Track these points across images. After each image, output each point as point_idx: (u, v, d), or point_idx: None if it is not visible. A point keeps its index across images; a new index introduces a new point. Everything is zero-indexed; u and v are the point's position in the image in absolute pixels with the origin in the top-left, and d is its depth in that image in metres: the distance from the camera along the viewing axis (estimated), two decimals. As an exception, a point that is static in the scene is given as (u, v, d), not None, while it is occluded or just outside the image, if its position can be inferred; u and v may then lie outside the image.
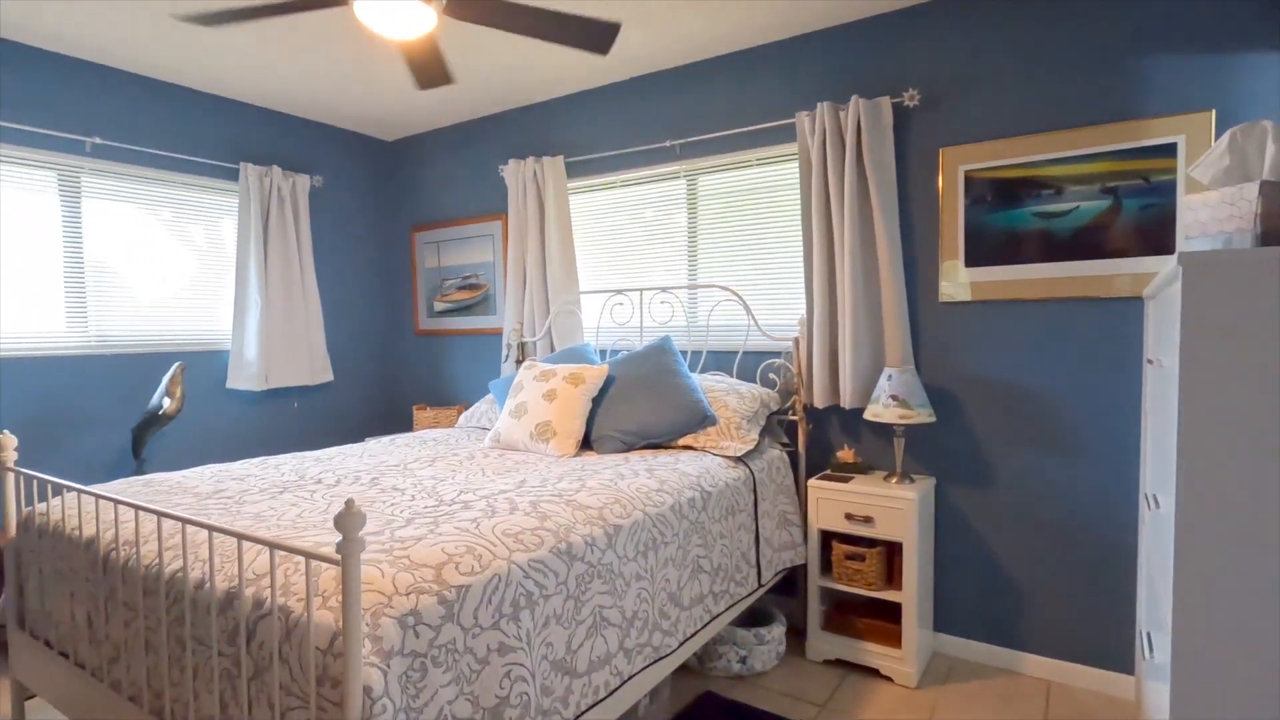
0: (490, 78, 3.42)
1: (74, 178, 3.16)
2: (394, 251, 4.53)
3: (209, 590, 1.35)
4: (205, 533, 1.50)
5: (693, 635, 2.07)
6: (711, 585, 2.18)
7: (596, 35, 2.10)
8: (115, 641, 1.60)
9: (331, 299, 4.19)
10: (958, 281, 2.65)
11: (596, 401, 2.75)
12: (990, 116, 2.56)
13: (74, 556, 1.72)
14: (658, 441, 2.64)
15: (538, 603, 1.50)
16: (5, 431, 1.96)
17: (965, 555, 2.69)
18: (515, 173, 3.67)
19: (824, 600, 2.75)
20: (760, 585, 2.50)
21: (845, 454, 2.80)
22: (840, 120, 2.74)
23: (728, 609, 2.30)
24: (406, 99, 3.71)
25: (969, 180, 2.61)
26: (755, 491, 2.51)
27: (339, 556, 1.10)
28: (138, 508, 1.49)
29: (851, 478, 2.70)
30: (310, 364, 3.93)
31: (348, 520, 1.08)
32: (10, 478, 1.96)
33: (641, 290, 3.33)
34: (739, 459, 2.54)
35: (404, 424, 4.54)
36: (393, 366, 4.55)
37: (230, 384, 3.64)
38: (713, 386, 2.84)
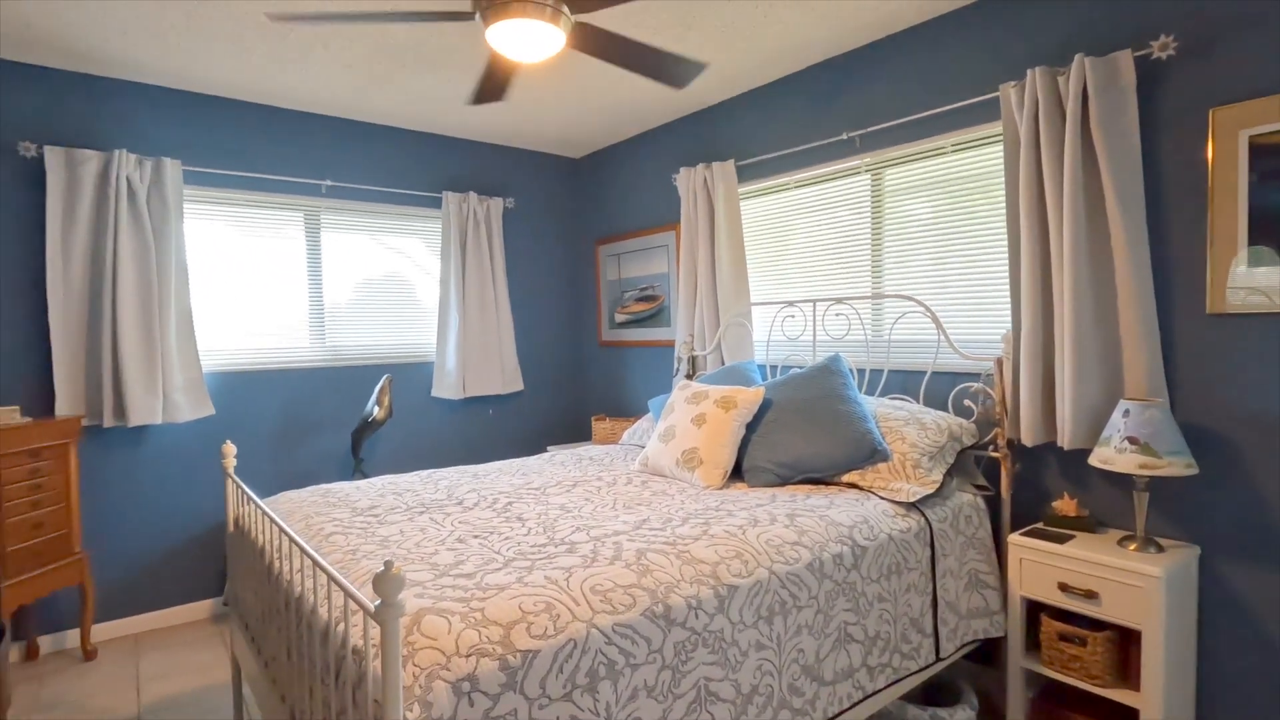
0: (657, 87, 3.34)
1: (315, 215, 3.70)
2: (579, 265, 4.68)
3: (317, 618, 1.42)
4: (317, 557, 1.59)
5: (838, 715, 1.77)
6: (865, 657, 1.85)
7: (681, 73, 2.22)
8: (274, 643, 1.78)
9: (522, 312, 4.45)
10: (1236, 286, 1.96)
11: (751, 427, 2.51)
12: (1293, 57, 1.85)
13: (257, 560, 1.95)
14: (817, 477, 2.33)
15: (622, 673, 1.35)
16: (228, 442, 2.32)
17: (1247, 656, 1.99)
18: (686, 181, 3.55)
19: (1030, 685, 2.22)
20: (939, 658, 2.08)
21: (1064, 505, 2.24)
22: (1059, 87, 2.19)
23: (890, 684, 1.94)
24: (588, 118, 3.78)
25: (1256, 149, 1.91)
26: (933, 546, 2.10)
27: (378, 617, 1.06)
28: (277, 524, 1.63)
29: (1071, 536, 2.15)
30: (502, 374, 4.20)
31: (385, 584, 1.03)
32: (230, 482, 2.30)
33: (814, 302, 3.00)
34: (912, 505, 2.14)
35: (585, 433, 4.67)
36: (577, 377, 4.70)
37: (434, 393, 4.02)
38: (890, 414, 2.45)
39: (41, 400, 2.93)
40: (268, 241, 3.56)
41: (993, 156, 2.54)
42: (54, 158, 2.89)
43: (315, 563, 1.34)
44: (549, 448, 4.27)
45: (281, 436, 3.55)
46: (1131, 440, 1.96)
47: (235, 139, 3.39)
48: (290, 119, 3.55)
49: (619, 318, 4.35)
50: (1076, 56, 2.11)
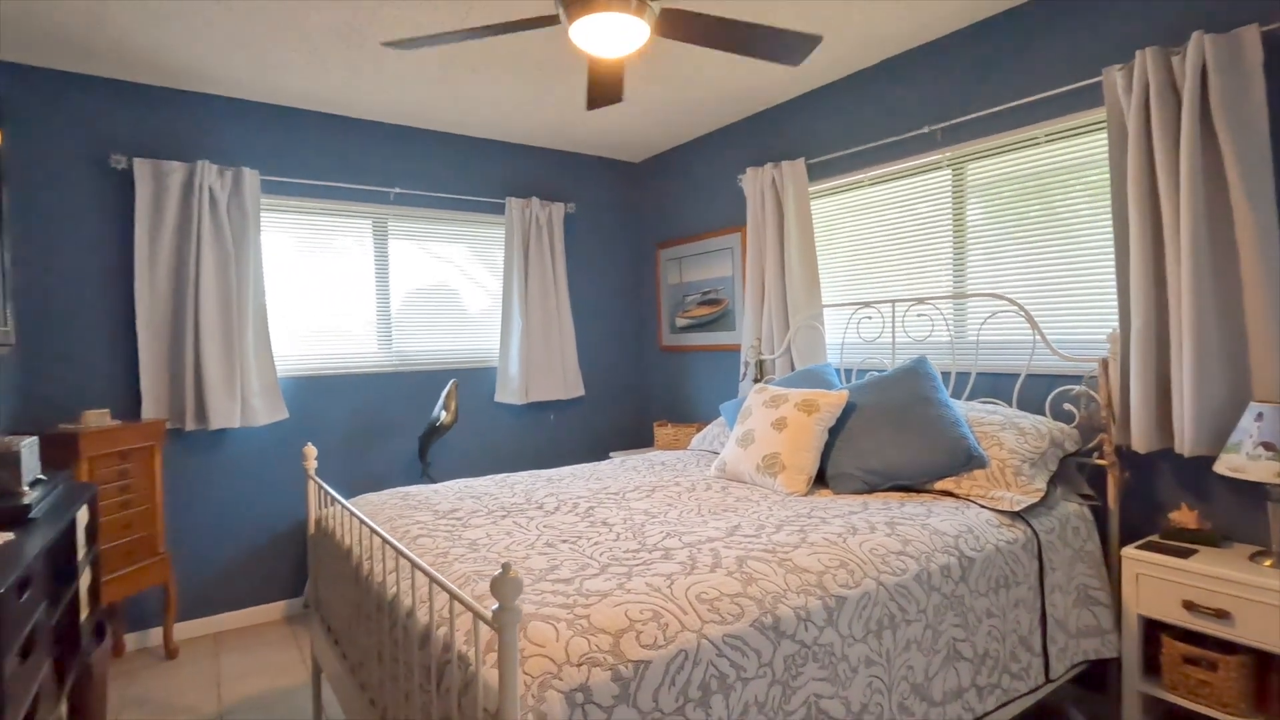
0: (726, 85, 3.28)
1: (382, 223, 3.75)
2: (640, 269, 4.64)
3: (414, 621, 1.39)
4: (415, 559, 1.56)
5: (947, 738, 1.66)
6: (974, 677, 1.73)
7: (795, 47, 2.02)
8: (362, 646, 1.76)
9: (583, 317, 4.42)
10: (1387, 278, 1.79)
11: (834, 432, 2.42)
12: None
13: (342, 562, 1.94)
14: (907, 484, 2.22)
15: (733, 687, 1.27)
16: (309, 444, 2.34)
17: (1404, 686, 1.79)
18: (753, 181, 3.48)
19: (1147, 713, 2.06)
20: (1049, 679, 1.94)
21: (1184, 516, 2.08)
22: (1174, 69, 2.05)
23: (1000, 707, 1.81)
24: (650, 120, 3.75)
25: None
26: (1041, 558, 1.96)
27: (495, 621, 1.01)
28: (368, 526, 1.61)
29: (1194, 551, 1.98)
30: (564, 379, 4.17)
31: (504, 588, 0.98)
32: (311, 484, 2.32)
33: (894, 302, 2.89)
34: (1017, 514, 2.01)
35: (647, 439, 4.61)
36: (638, 382, 4.65)
37: (498, 398, 4.02)
38: (983, 419, 2.32)
39: (128, 404, 3.02)
40: (338, 248, 3.62)
41: (1089, 146, 2.39)
42: (142, 169, 2.98)
43: (415, 564, 1.30)
44: (612, 454, 4.22)
45: (351, 440, 3.59)
46: (1267, 446, 1.80)
47: (309, 149, 3.46)
48: (361, 128, 3.61)
49: (680, 322, 4.29)
50: (1194, 34, 1.97)
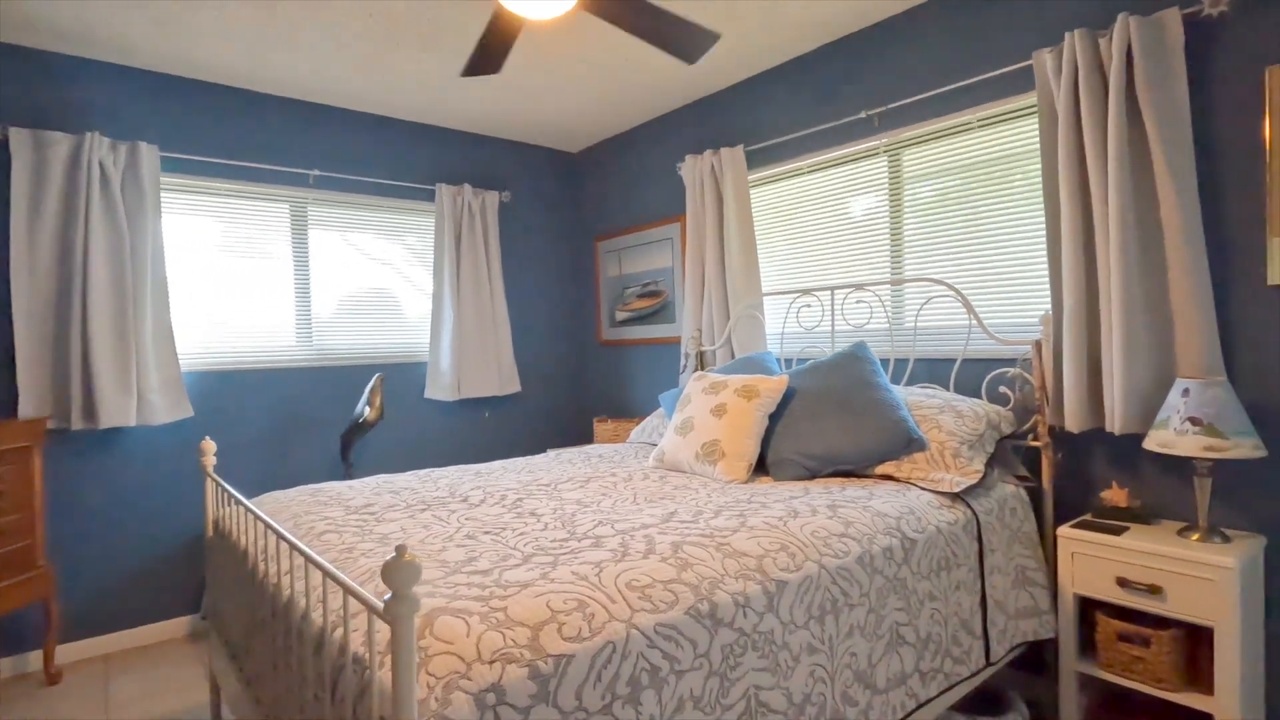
0: (665, 72, 3.21)
1: (302, 208, 3.51)
2: (578, 261, 4.51)
3: (309, 624, 1.22)
4: (309, 552, 1.39)
5: (891, 727, 1.59)
6: (918, 662, 1.68)
7: (696, 42, 2.02)
8: (259, 657, 1.57)
9: (519, 311, 4.26)
10: (1301, 254, 1.83)
11: (775, 418, 2.35)
12: (1357, 8, 1.73)
13: (239, 565, 1.75)
14: (848, 469, 2.17)
15: (666, 680, 1.17)
16: (207, 438, 2.12)
17: (1322, 654, 1.84)
18: (692, 169, 3.41)
19: (1085, 690, 2.05)
20: (989, 663, 1.91)
21: (1114, 495, 2.09)
22: (1101, 51, 2.07)
23: (942, 693, 1.76)
24: (588, 108, 3.64)
25: (1319, 107, 1.79)
26: (980, 540, 1.93)
27: (387, 614, 0.87)
28: (263, 521, 1.44)
29: (1126, 528, 1.99)
30: (499, 375, 4.00)
31: (397, 574, 0.85)
32: (210, 482, 2.10)
33: (832, 289, 2.86)
34: (956, 496, 1.98)
35: (587, 435, 4.48)
36: (577, 377, 4.52)
37: (428, 394, 3.82)
38: (922, 402, 2.29)
39: (2, 401, 2.71)
40: (252, 234, 3.36)
41: (1020, 132, 2.41)
42: (19, 139, 2.68)
43: (307, 558, 1.15)
44: (549, 451, 4.07)
45: (267, 440, 3.34)
46: (1194, 421, 1.81)
47: (217, 124, 3.21)
48: (276, 105, 3.37)
49: (620, 315, 4.19)
50: (1119, 16, 1.99)
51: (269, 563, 1.46)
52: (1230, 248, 1.95)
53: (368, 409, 3.29)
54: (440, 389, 3.81)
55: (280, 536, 1.31)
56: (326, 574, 1.09)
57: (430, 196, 3.88)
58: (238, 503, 1.71)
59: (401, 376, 3.79)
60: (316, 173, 3.46)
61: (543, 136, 4.16)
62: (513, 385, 4.07)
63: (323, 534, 1.62)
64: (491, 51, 2.15)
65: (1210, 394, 1.81)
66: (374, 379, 3.33)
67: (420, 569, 0.86)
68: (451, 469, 2.45)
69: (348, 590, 1.02)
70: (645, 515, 1.71)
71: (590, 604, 1.17)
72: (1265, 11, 1.86)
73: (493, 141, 4.13)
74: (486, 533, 1.59)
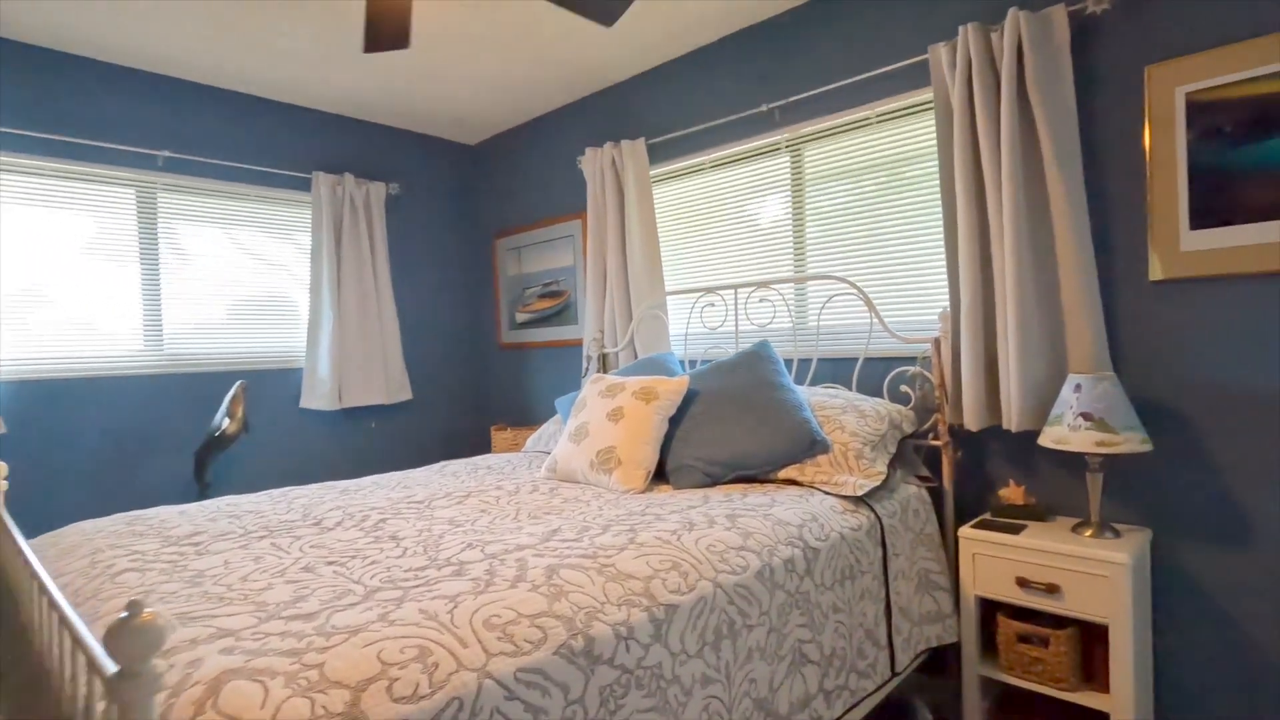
0: (567, 59, 3.03)
1: (150, 194, 3.09)
2: (477, 259, 4.25)
3: (69, 694, 0.95)
4: (57, 597, 1.11)
5: (794, 754, 1.46)
6: (822, 680, 1.56)
7: (611, 6, 1.86)
8: (34, 730, 1.26)
9: (411, 312, 3.96)
10: (1178, 251, 1.86)
11: (675, 422, 2.21)
12: (1224, 11, 1.78)
13: (12, 617, 1.42)
14: (751, 474, 2.05)
15: (530, 736, 0.97)
16: (-4, 459, 1.76)
17: (1202, 643, 1.86)
18: (593, 162, 3.24)
19: (987, 694, 2.01)
20: (895, 673, 1.83)
21: (1011, 492, 2.07)
22: (992, 45, 2.05)
23: (847, 710, 1.66)
24: (484, 95, 3.40)
25: (1193, 106, 1.82)
26: (884, 544, 1.85)
27: (114, 692, 0.64)
28: (25, 558, 1.14)
29: (1023, 526, 1.97)
30: (387, 382, 3.69)
31: (125, 641, 0.62)
32: (-3, 511, 1.73)
33: (736, 288, 2.75)
34: (860, 500, 1.89)
35: (485, 446, 4.21)
36: (475, 383, 4.25)
37: (304, 404, 3.46)
38: (825, 402, 2.21)
39: None
40: (88, 223, 2.92)
41: (919, 130, 2.39)
42: None
43: (52, 603, 0.88)
44: (442, 463, 3.78)
45: (106, 460, 2.89)
46: (1086, 417, 1.80)
47: (44, 95, 2.76)
48: (118, 76, 2.95)
49: (521, 317, 3.96)
50: (1010, 11, 1.98)
51: (35, 614, 1.16)
52: (1115, 244, 1.96)
53: (227, 420, 2.92)
54: (318, 398, 3.45)
55: (35, 578, 1.03)
56: (64, 623, 0.83)
57: (306, 186, 3.52)
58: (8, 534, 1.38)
59: (274, 384, 3.41)
60: (166, 154, 3.05)
61: (438, 126, 3.88)
62: (403, 393, 3.76)
63: (120, 574, 1.32)
64: (390, 27, 1.89)
65: (1100, 389, 1.80)
66: (235, 387, 2.96)
67: (161, 634, 0.63)
68: (312, 487, 2.16)
69: (86, 653, 0.77)
70: (524, 534, 1.51)
71: (435, 651, 0.96)
72: (1144, 10, 1.89)
73: (381, 129, 3.81)
74: (330, 564, 1.34)
